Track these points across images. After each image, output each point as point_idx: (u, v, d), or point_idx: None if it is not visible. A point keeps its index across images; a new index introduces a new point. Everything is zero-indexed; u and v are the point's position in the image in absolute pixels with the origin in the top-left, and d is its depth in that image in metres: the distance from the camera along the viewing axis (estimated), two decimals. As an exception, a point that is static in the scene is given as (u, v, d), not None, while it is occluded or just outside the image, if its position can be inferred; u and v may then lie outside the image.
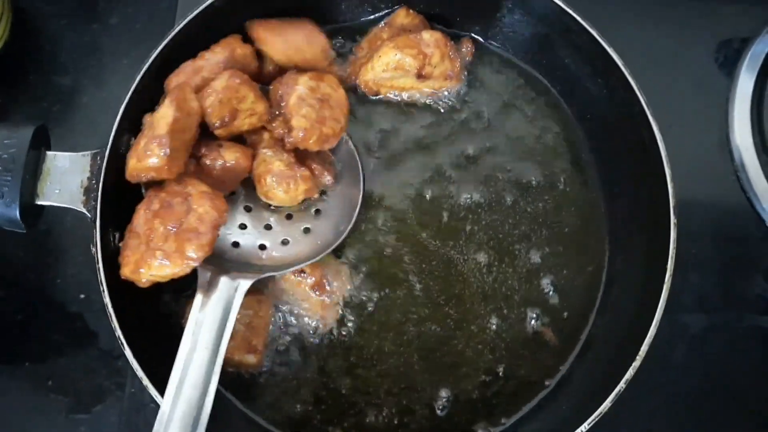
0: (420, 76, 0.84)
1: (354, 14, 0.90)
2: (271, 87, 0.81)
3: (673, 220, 0.72)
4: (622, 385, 0.68)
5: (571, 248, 0.83)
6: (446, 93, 0.87)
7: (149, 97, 0.77)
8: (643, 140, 0.75)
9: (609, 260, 0.83)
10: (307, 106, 0.76)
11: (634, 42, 0.80)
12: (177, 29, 0.78)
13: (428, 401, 0.79)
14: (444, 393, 0.79)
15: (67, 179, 0.72)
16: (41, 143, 0.73)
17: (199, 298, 0.72)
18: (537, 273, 0.82)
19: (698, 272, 0.89)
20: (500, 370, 0.80)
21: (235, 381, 0.79)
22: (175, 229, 0.70)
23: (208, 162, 0.76)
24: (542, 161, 0.86)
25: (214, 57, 0.79)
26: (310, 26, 0.85)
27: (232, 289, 0.73)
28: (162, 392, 0.68)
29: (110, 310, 0.69)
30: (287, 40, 0.83)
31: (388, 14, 0.89)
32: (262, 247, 0.80)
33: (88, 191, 0.72)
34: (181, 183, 0.73)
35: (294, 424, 0.78)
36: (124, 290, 0.71)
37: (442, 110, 0.87)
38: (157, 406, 0.80)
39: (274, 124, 0.79)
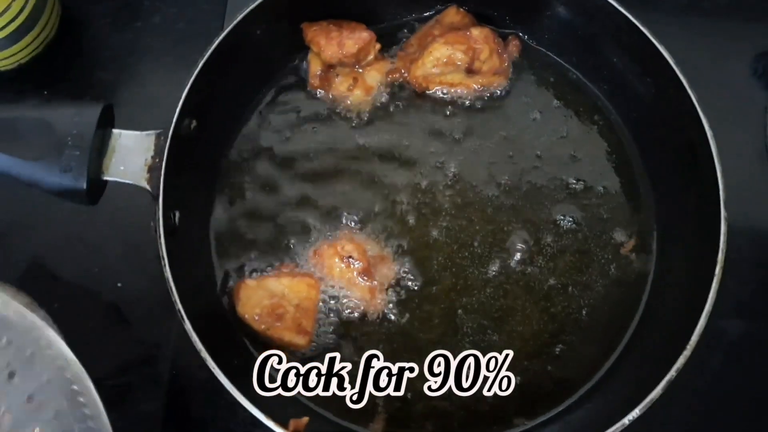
0: (469, 71, 0.86)
1: (404, 13, 0.91)
2: None
3: (723, 213, 0.72)
4: (672, 373, 0.68)
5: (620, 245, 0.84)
6: (492, 90, 0.88)
7: (208, 83, 0.79)
8: (691, 138, 0.76)
9: (658, 257, 0.83)
10: None
11: (671, 52, 0.81)
12: (237, 21, 0.80)
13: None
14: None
15: (131, 157, 0.74)
16: (107, 122, 0.74)
17: None
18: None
19: (737, 278, 0.86)
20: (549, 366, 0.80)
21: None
22: None
23: None
24: (588, 160, 0.87)
25: None
26: (354, 23, 0.87)
27: None
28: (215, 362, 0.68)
29: (171, 283, 0.69)
30: (338, 42, 0.85)
31: (437, 13, 0.90)
32: None
33: (152, 169, 0.73)
34: None
35: (338, 404, 0.78)
36: (182, 265, 0.72)
37: (488, 107, 0.89)
38: (201, 388, 0.81)
39: None
